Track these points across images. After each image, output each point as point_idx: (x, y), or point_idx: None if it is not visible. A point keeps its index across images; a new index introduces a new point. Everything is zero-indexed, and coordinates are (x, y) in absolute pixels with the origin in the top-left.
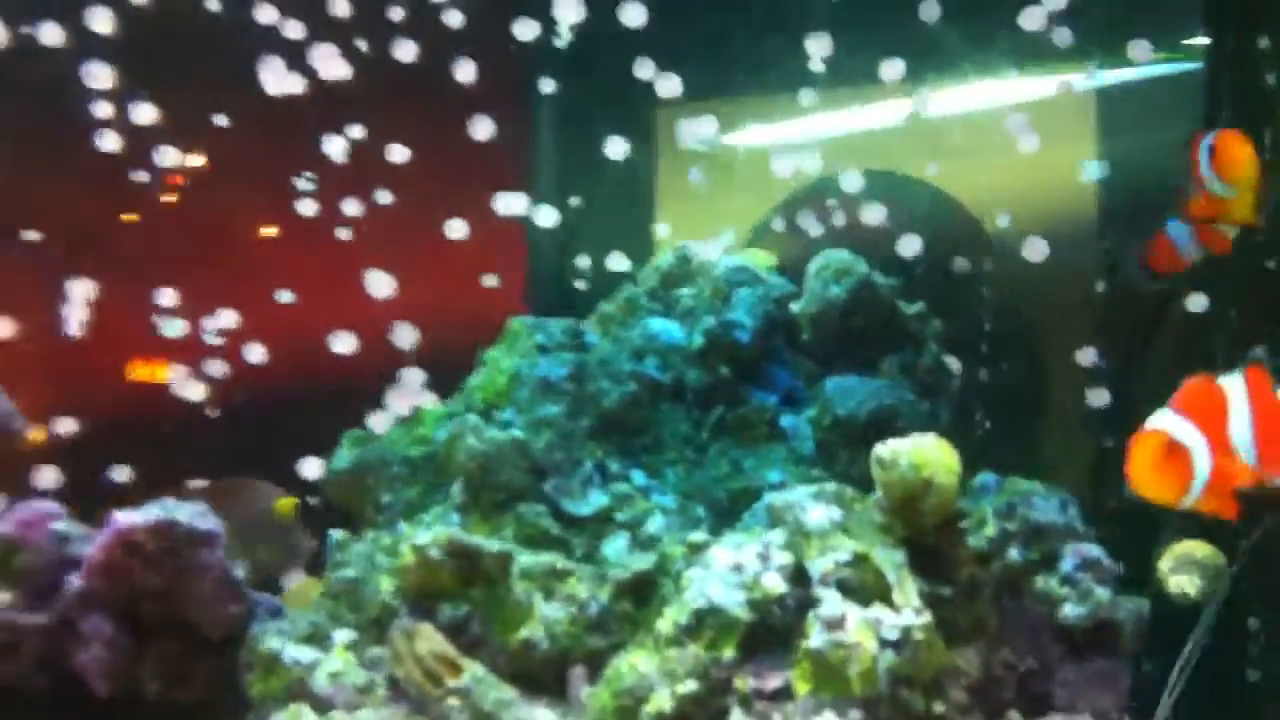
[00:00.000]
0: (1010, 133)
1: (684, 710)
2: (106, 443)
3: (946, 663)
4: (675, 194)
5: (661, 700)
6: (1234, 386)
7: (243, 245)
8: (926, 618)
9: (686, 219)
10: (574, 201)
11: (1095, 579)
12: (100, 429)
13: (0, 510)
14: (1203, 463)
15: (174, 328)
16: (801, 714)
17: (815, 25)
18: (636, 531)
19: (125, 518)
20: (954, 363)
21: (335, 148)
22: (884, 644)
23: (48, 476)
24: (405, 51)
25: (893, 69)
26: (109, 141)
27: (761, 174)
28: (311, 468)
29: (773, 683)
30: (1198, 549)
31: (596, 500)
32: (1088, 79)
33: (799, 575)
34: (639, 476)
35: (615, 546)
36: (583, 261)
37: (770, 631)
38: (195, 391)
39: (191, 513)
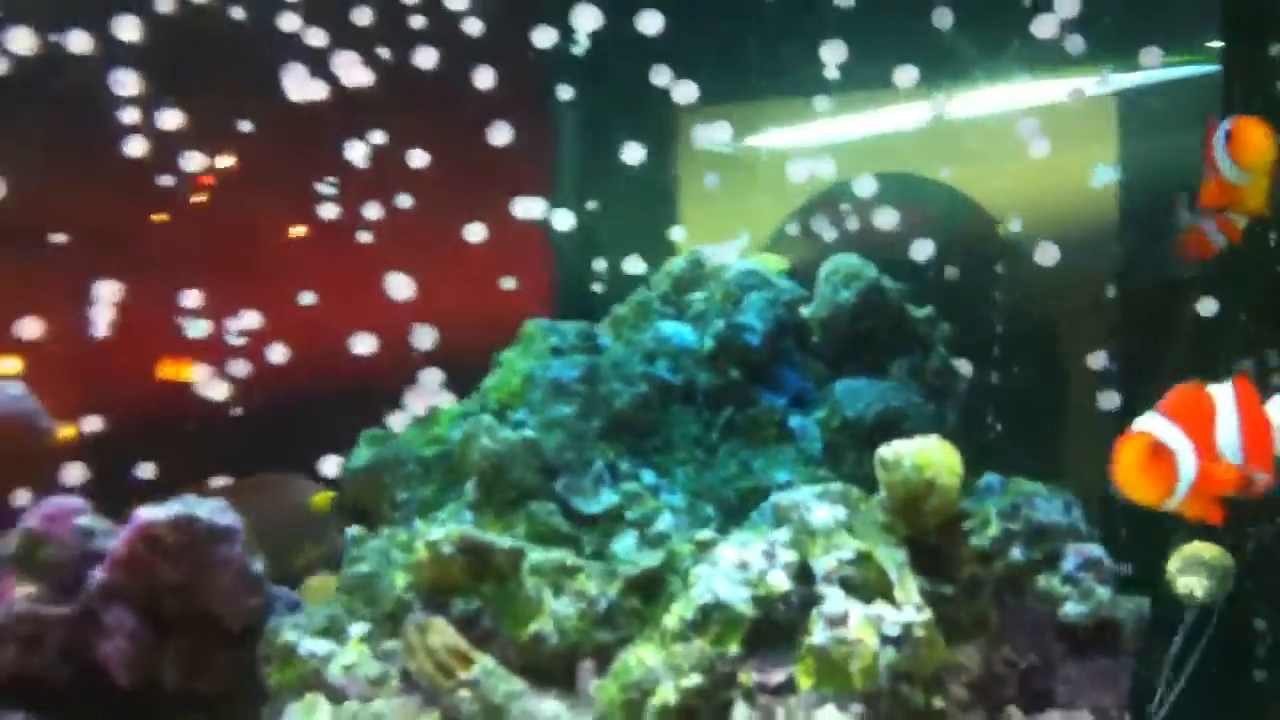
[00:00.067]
0: (1030, 137)
1: (689, 703)
2: (133, 440)
3: (947, 659)
4: (697, 197)
5: (667, 693)
6: (1223, 395)
7: (273, 250)
8: (927, 615)
9: (709, 221)
10: (597, 205)
11: (1096, 579)
12: (127, 427)
13: (28, 506)
14: (1188, 466)
15: (198, 328)
16: (804, 708)
17: (836, 30)
18: (645, 529)
19: (147, 513)
20: (965, 366)
21: (361, 154)
22: (885, 640)
23: (74, 473)
24: (433, 60)
25: (912, 73)
26: (135, 146)
27: (784, 176)
28: (330, 466)
29: (776, 677)
30: (1206, 550)
31: (607, 499)
32: (1104, 83)
33: (803, 573)
34: (649, 476)
35: (624, 544)
36: (605, 264)
37: (774, 627)
38: (220, 391)
39: (211, 509)
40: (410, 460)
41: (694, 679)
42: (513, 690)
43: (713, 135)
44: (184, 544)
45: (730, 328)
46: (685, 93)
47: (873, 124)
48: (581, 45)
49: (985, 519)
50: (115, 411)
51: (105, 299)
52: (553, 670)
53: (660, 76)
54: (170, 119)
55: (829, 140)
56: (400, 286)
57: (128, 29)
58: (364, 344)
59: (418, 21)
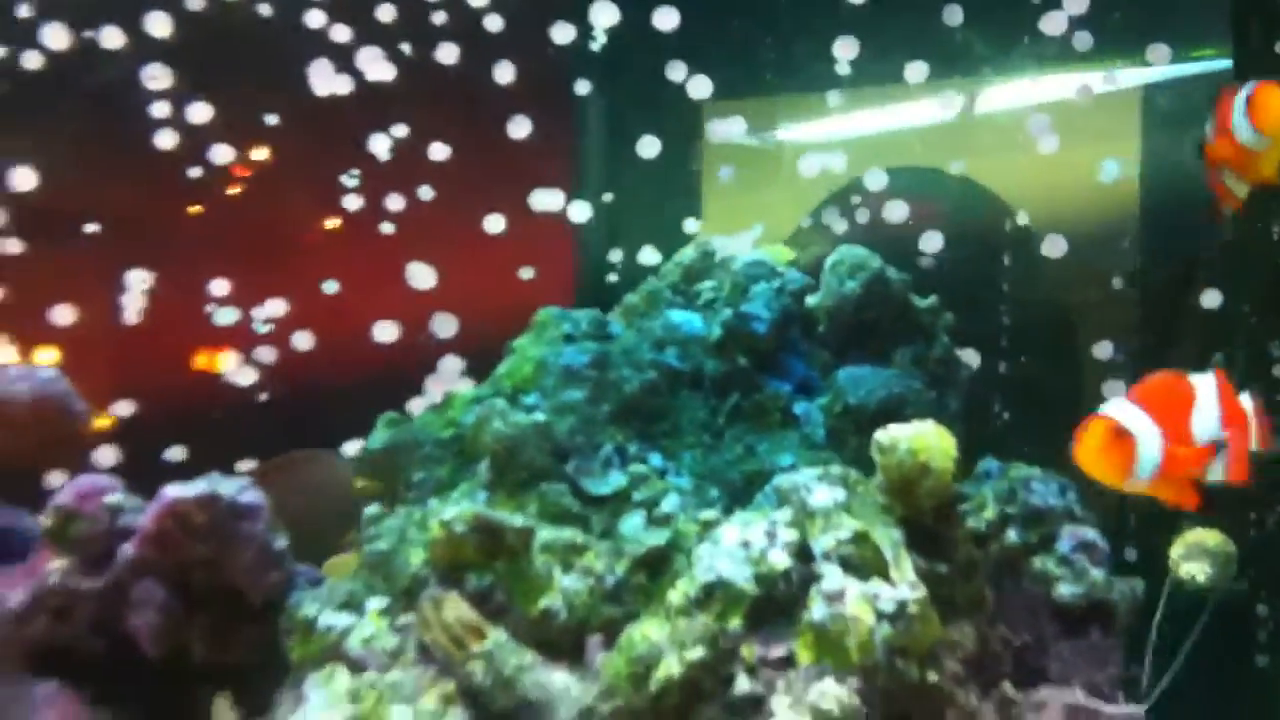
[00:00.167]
0: (1050, 131)
1: (692, 676)
2: (165, 425)
3: (942, 636)
4: (722, 190)
5: (671, 666)
6: (1206, 385)
7: (306, 241)
8: (921, 592)
9: (733, 214)
10: (621, 198)
11: (1090, 560)
12: (158, 412)
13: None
14: (1150, 451)
15: (227, 317)
16: (803, 681)
17: (862, 23)
18: (652, 510)
19: (174, 491)
20: (970, 356)
21: (392, 148)
22: (881, 616)
23: (106, 455)
24: (462, 56)
25: (932, 69)
26: (166, 139)
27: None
28: (352, 447)
29: (777, 651)
30: (1209, 537)
31: (615, 480)
32: (1122, 79)
33: (803, 552)
34: (656, 459)
35: (632, 524)
36: (629, 255)
37: (775, 604)
38: (248, 377)
39: (235, 487)
40: (426, 442)
41: (697, 652)
42: (523, 662)
43: (728, 130)
44: (209, 520)
45: (738, 316)
46: (701, 88)
47: (897, 118)
48: (600, 41)
49: (983, 502)
50: (146, 397)
51: (136, 288)
52: (562, 644)
53: (676, 72)
54: (200, 113)
55: (854, 133)
56: (428, 276)
57: (159, 25)
58: (387, 332)
59: (448, 18)
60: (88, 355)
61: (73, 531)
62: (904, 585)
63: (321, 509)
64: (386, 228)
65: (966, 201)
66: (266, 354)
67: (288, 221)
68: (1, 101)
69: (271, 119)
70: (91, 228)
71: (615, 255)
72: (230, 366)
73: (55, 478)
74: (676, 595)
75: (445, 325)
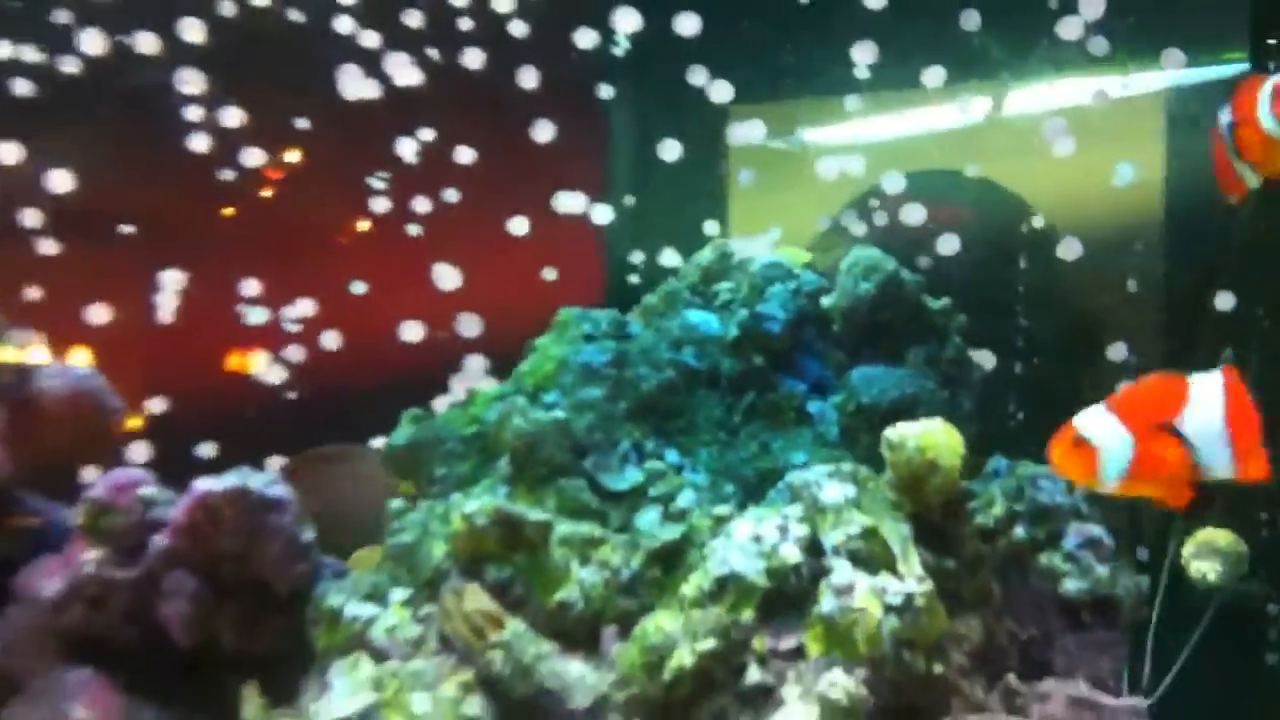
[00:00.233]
0: (1073, 134)
1: (704, 666)
2: (196, 421)
3: (948, 629)
4: (749, 192)
5: (684, 656)
6: (1207, 385)
7: (348, 243)
8: (928, 586)
9: (761, 215)
10: (649, 200)
11: (1096, 557)
12: (190, 409)
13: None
14: (1115, 456)
15: (260, 316)
16: (813, 672)
17: (888, 27)
18: (668, 505)
19: (205, 484)
20: (986, 357)
21: (426, 151)
22: (889, 609)
23: (139, 451)
24: (497, 61)
25: (964, 71)
26: (199, 142)
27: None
28: (377, 443)
29: (787, 643)
30: (1220, 536)
31: (632, 476)
32: (1142, 82)
33: (814, 546)
34: (673, 455)
35: (648, 518)
36: (651, 257)
37: (786, 597)
38: (277, 375)
39: (264, 481)
40: (450, 438)
41: (709, 643)
42: (541, 652)
43: (748, 134)
44: (239, 513)
45: (754, 317)
46: (722, 92)
47: (922, 122)
48: (624, 47)
49: (991, 499)
50: (179, 394)
51: (170, 287)
52: (578, 634)
53: (698, 76)
54: (232, 116)
55: (881, 137)
56: (458, 277)
57: (192, 30)
58: (414, 331)
59: (485, 25)
60: (121, 353)
61: (107, 523)
62: (911, 579)
63: (356, 503)
64: (424, 230)
65: (992, 205)
66: (299, 353)
67: (323, 223)
68: (40, 104)
69: (313, 124)
70: (125, 228)
71: (638, 257)
72: (260, 365)
73: (89, 472)
74: (690, 588)
75: (470, 325)
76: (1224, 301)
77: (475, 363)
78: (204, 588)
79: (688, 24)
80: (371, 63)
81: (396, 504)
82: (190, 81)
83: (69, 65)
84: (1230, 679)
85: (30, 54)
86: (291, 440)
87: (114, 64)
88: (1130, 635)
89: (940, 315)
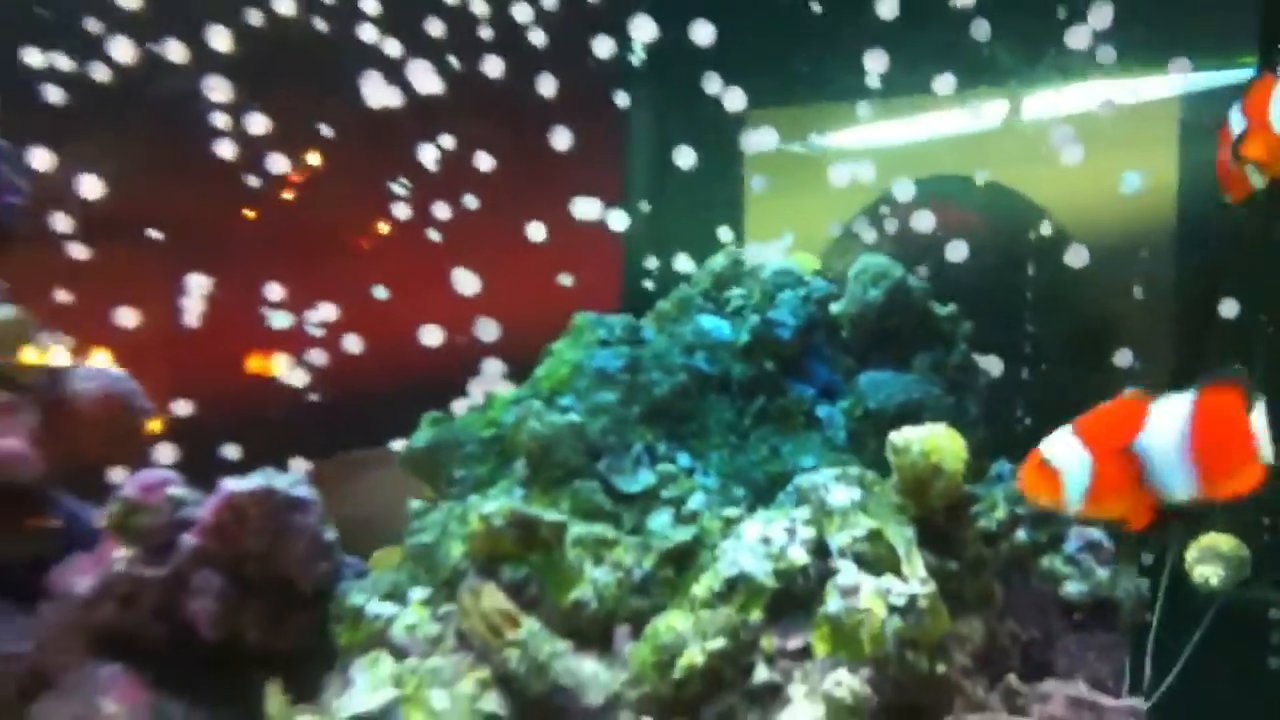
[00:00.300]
0: (1096, 138)
1: (714, 665)
2: (222, 423)
3: (950, 629)
4: (769, 196)
5: (694, 655)
6: (1170, 407)
7: (373, 248)
8: (931, 588)
9: (780, 220)
10: (667, 205)
11: (1096, 560)
12: (216, 411)
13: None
14: (1076, 478)
15: (281, 320)
16: (819, 671)
17: (905, 32)
18: (680, 507)
19: (232, 485)
20: (993, 363)
21: (449, 158)
22: (892, 610)
23: (167, 452)
24: (519, 68)
25: (980, 77)
26: (225, 148)
27: (854, 176)
28: (397, 445)
29: (794, 643)
30: (1223, 541)
31: (645, 479)
32: (1154, 88)
33: (821, 548)
34: (684, 458)
35: (660, 520)
36: (669, 262)
37: (794, 597)
38: (298, 378)
39: (289, 481)
40: (468, 441)
41: (719, 642)
42: (556, 650)
43: (761, 141)
44: (264, 513)
45: (764, 323)
46: (736, 100)
47: (944, 124)
48: (640, 55)
49: (994, 503)
50: (205, 396)
51: (197, 291)
52: (592, 633)
53: (712, 84)
54: (258, 123)
55: (900, 141)
56: (477, 282)
57: (220, 39)
58: (433, 336)
59: (505, 34)
60: (147, 356)
61: (137, 523)
62: (915, 581)
63: (386, 507)
64: (446, 235)
65: (1007, 210)
66: (322, 356)
67: (345, 228)
68: (71, 111)
69: (336, 130)
70: (152, 233)
71: (652, 262)
72: (283, 368)
73: (117, 473)
74: (700, 588)
75: (488, 329)
76: (1229, 308)
77: (493, 367)
78: (230, 586)
79: (703, 32)
80: (394, 70)
81: (416, 505)
82: (217, 88)
83: (99, 73)
84: (1232, 682)
85: (62, 61)
86: (314, 442)
87: (143, 71)
88: (1131, 637)
89: (947, 322)
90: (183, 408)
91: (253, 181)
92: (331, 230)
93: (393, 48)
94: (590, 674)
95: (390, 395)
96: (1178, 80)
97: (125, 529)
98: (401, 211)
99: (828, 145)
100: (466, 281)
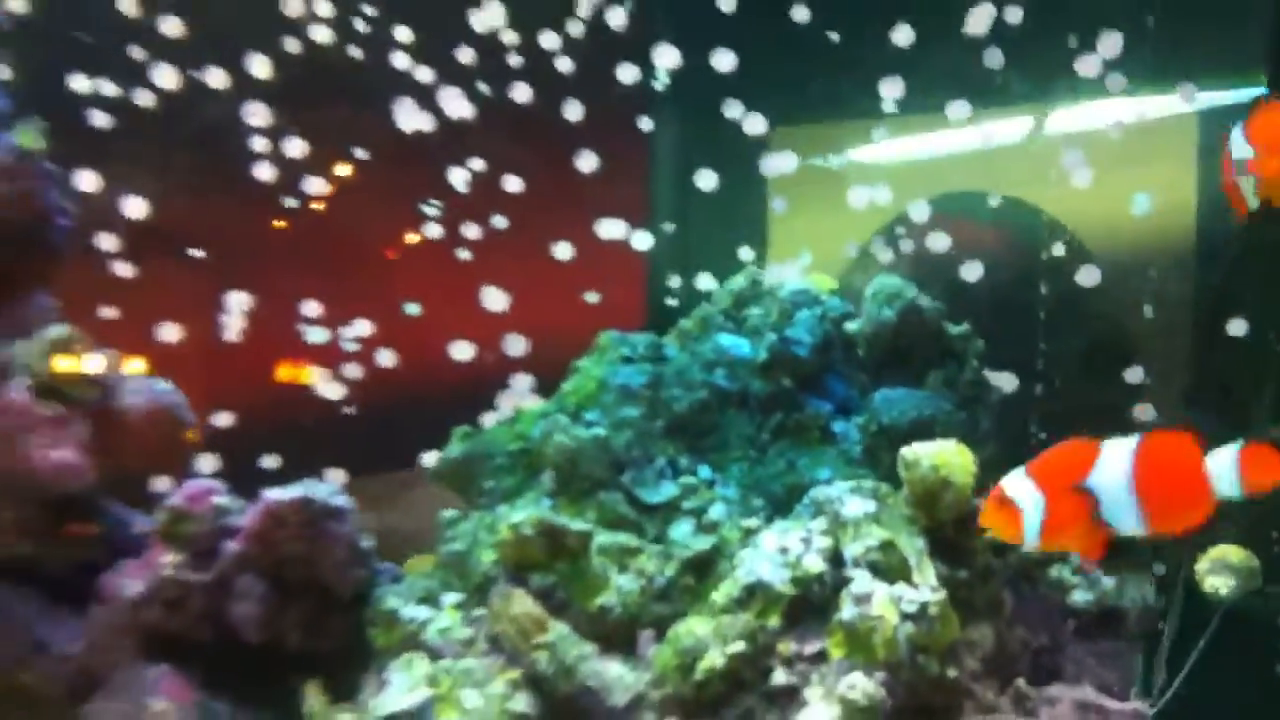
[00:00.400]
0: (1118, 155)
1: (733, 667)
2: (261, 435)
3: (960, 635)
4: (793, 214)
5: (715, 658)
6: (1117, 449)
7: (409, 267)
8: (941, 595)
9: (802, 237)
10: (693, 224)
11: (1103, 570)
12: (255, 423)
13: (169, 490)
14: (1032, 516)
15: (318, 335)
16: (834, 674)
17: (928, 51)
18: (701, 518)
19: (273, 494)
20: (1007, 380)
21: (479, 180)
22: (904, 617)
23: (209, 463)
24: (550, 93)
25: (1011, 91)
26: (264, 171)
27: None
28: (429, 459)
29: (810, 647)
30: (1232, 553)
31: (667, 490)
32: (1170, 106)
33: (836, 557)
34: (705, 471)
35: (681, 530)
36: (692, 281)
37: (810, 604)
38: (335, 391)
39: (327, 491)
40: (497, 454)
41: (738, 647)
42: (582, 653)
43: (779, 165)
44: (304, 521)
45: (782, 341)
46: (756, 125)
47: (970, 140)
48: (663, 81)
49: None
50: (245, 409)
51: (237, 308)
52: (616, 637)
53: (733, 109)
54: (295, 147)
55: (921, 155)
56: (508, 300)
57: (259, 66)
58: (465, 351)
59: (540, 61)
60: (189, 369)
61: (183, 530)
62: (926, 588)
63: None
64: (478, 255)
65: (1026, 227)
66: (357, 370)
67: (381, 247)
68: (117, 135)
69: (371, 153)
70: (193, 251)
71: (676, 281)
72: (320, 381)
73: (162, 482)
74: (720, 595)
75: (517, 345)
76: (1238, 327)
77: (522, 382)
78: (271, 590)
79: (724, 59)
80: (428, 97)
81: (448, 514)
82: (256, 114)
83: (143, 98)
84: (1240, 689)
85: (108, 87)
86: (349, 454)
87: (185, 97)
88: (1142, 644)
89: (959, 340)
90: (223, 419)
91: (291, 202)
92: (369, 249)
93: (432, 74)
94: (615, 676)
95: (420, 409)
96: (1194, 99)
97: (173, 536)
98: (440, 232)
99: (852, 161)
100: (499, 299)
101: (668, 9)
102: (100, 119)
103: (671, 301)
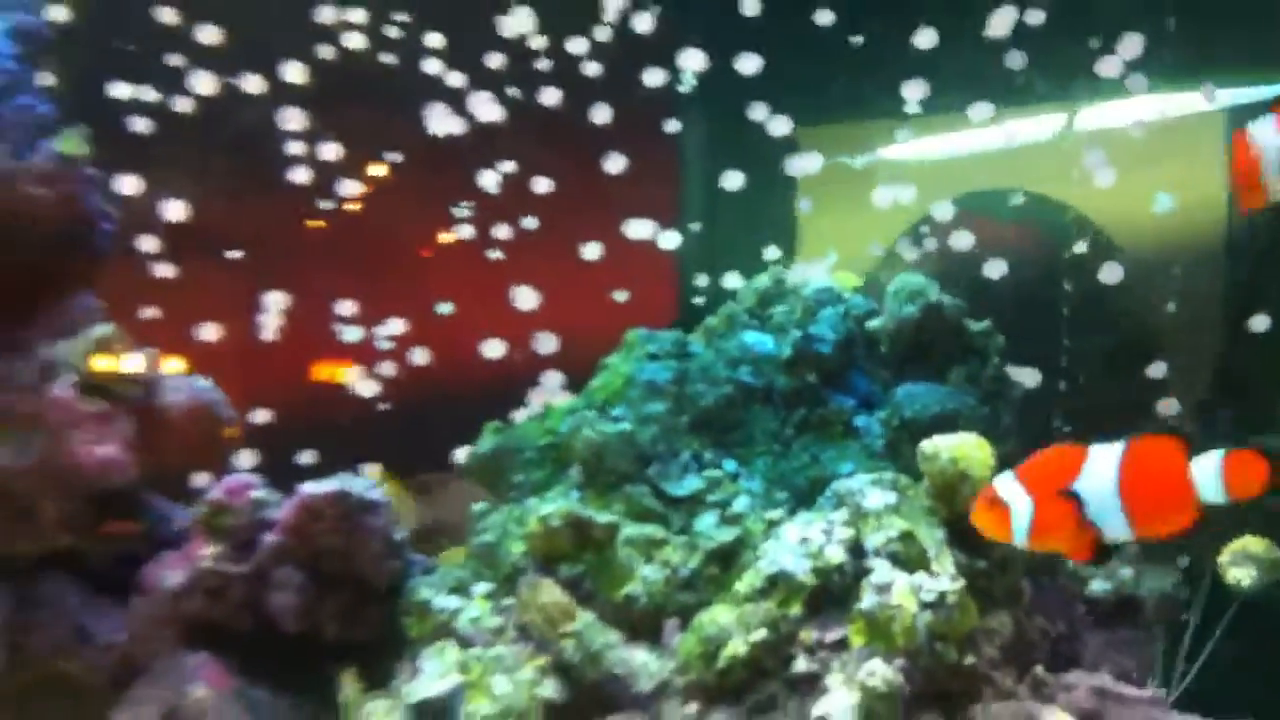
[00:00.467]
0: (1147, 152)
1: (756, 655)
2: (297, 431)
3: (978, 624)
4: (821, 211)
5: (738, 646)
6: (1104, 454)
7: (445, 267)
8: (960, 584)
9: (832, 235)
10: (724, 223)
11: (1121, 560)
12: (292, 420)
13: (208, 484)
14: (1021, 516)
15: (353, 334)
16: (855, 662)
17: (960, 48)
18: (725, 510)
19: (310, 488)
20: (1029, 375)
21: (512, 182)
22: (923, 605)
23: (247, 458)
24: (585, 98)
25: (1037, 90)
26: (300, 174)
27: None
28: (461, 454)
29: (832, 635)
30: (1255, 544)
31: (692, 483)
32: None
33: (856, 548)
34: (730, 465)
35: (706, 522)
36: (722, 279)
37: (831, 593)
38: (371, 388)
39: (363, 485)
40: (527, 448)
41: (760, 635)
42: (608, 641)
43: (804, 165)
44: (339, 514)
45: (806, 338)
46: (780, 126)
47: (999, 139)
48: (689, 84)
49: None
50: (283, 406)
51: (274, 307)
52: (642, 626)
53: (757, 112)
54: (330, 151)
55: (952, 153)
56: (540, 299)
57: (294, 73)
58: (497, 349)
59: (570, 65)
60: (227, 367)
61: (223, 522)
62: (945, 578)
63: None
64: (513, 255)
65: (1054, 224)
66: (392, 368)
67: (417, 247)
68: (156, 140)
69: (406, 155)
70: (232, 253)
71: (705, 279)
72: (355, 378)
73: (201, 477)
74: (743, 585)
75: (549, 343)
76: (1260, 322)
77: (553, 379)
78: (308, 581)
79: (749, 63)
80: (458, 101)
81: (479, 507)
82: (292, 118)
83: (182, 104)
84: (1258, 678)
85: (148, 94)
86: (384, 450)
87: (223, 102)
88: (1160, 632)
89: (980, 336)
90: (261, 416)
91: (326, 204)
92: (404, 250)
93: (463, 79)
94: (640, 663)
95: (453, 405)
96: (1215, 97)
97: (213, 528)
98: (469, 232)
99: (881, 158)
100: (531, 298)
101: (693, 13)
102: (140, 125)
103: (699, 300)
